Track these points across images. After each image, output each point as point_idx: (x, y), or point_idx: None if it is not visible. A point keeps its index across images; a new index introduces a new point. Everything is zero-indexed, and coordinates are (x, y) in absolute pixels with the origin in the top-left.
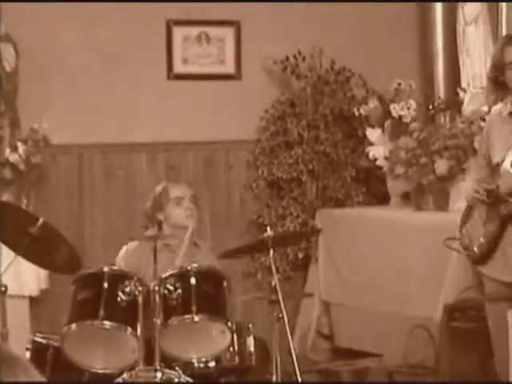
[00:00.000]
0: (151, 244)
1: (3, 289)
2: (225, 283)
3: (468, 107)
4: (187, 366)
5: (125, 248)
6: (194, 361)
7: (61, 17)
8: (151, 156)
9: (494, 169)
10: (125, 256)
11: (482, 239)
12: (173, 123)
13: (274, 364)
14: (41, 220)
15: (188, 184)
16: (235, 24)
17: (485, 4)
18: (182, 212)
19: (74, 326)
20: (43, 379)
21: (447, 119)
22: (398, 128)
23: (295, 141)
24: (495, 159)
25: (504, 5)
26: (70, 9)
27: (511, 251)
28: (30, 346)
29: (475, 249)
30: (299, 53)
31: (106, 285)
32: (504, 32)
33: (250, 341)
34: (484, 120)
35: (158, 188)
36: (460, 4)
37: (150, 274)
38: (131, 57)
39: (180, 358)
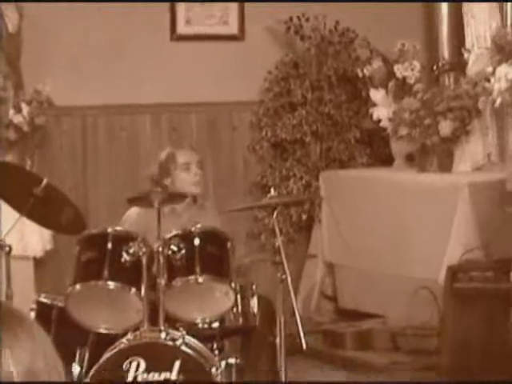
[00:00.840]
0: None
1: (8, 249)
2: (229, 244)
3: (472, 68)
4: (191, 327)
5: (125, 215)
6: (198, 321)
7: None
8: (155, 117)
9: None
10: (128, 221)
11: None
12: (176, 84)
13: (278, 325)
14: (45, 181)
15: (192, 149)
16: None
17: None
18: (189, 177)
19: (78, 286)
20: (48, 338)
21: (451, 80)
22: (402, 89)
23: (299, 102)
24: None
25: None
26: None
27: None
28: (34, 307)
29: None
30: (303, 14)
31: (110, 245)
32: None
33: (254, 302)
34: (489, 81)
35: (164, 154)
36: None
37: (155, 235)
38: (134, 18)
39: (184, 319)
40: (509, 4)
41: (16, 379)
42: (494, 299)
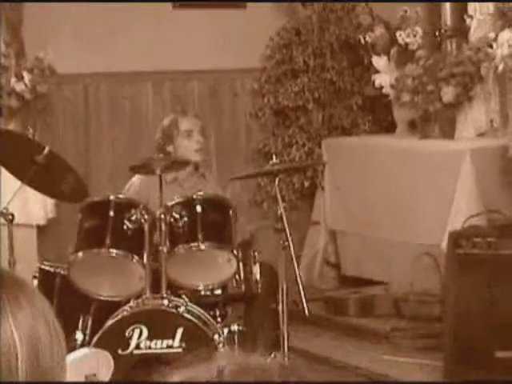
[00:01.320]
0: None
1: (10, 217)
2: (231, 211)
3: (475, 34)
4: (194, 294)
5: (129, 184)
6: (201, 288)
7: None
8: (157, 85)
9: None
10: (131, 189)
11: None
12: (178, 52)
13: (280, 293)
14: (47, 148)
15: (196, 116)
16: None
17: None
18: (192, 145)
19: (80, 254)
20: (49, 307)
21: (454, 46)
22: (404, 55)
23: (301, 69)
24: None
25: None
26: None
27: None
28: (37, 275)
29: None
30: None
31: (112, 213)
32: None
33: (256, 269)
34: (491, 47)
35: (167, 120)
36: None
37: (157, 203)
38: None
39: (186, 286)
40: None
41: (18, 344)
42: (497, 265)
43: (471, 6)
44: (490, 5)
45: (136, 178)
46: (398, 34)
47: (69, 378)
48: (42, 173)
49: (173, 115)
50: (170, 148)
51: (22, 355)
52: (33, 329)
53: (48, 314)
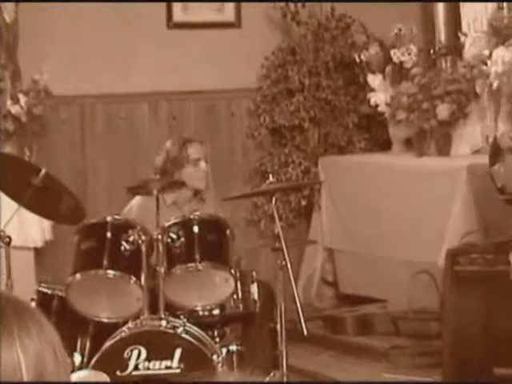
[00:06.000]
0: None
1: (7, 240)
2: (228, 231)
3: (469, 51)
4: (191, 314)
5: (130, 205)
6: (199, 309)
7: None
8: (153, 105)
9: None
10: (132, 211)
11: None
12: (174, 72)
13: (279, 312)
14: (43, 171)
15: (201, 143)
16: None
17: None
18: (198, 173)
19: (78, 275)
20: (56, 335)
21: (448, 64)
22: (399, 73)
23: (296, 88)
24: None
25: None
26: None
27: None
28: (35, 297)
29: None
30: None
31: (109, 234)
32: None
33: (254, 288)
34: (486, 64)
35: (174, 146)
36: None
37: (155, 224)
38: (131, 6)
39: (184, 307)
40: None
41: (23, 369)
42: (495, 282)
43: (465, 24)
44: (484, 22)
45: (137, 199)
46: (392, 52)
47: None
48: (38, 195)
49: (180, 142)
50: (177, 175)
51: (27, 380)
52: (39, 355)
53: (55, 341)
